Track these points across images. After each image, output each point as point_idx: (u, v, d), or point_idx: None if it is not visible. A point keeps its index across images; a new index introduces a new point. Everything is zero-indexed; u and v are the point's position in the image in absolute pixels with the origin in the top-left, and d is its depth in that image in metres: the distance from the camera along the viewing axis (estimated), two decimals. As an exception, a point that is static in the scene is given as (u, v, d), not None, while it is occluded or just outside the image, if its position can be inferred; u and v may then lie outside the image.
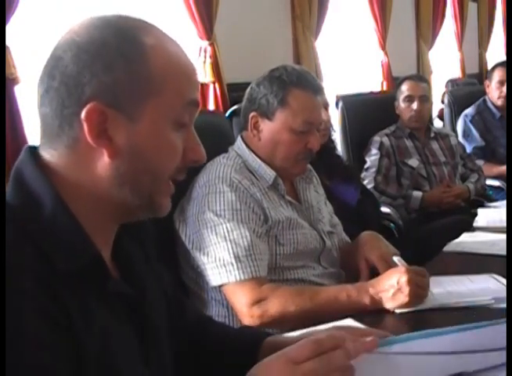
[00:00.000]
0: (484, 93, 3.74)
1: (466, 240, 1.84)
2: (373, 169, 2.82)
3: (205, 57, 2.99)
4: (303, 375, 0.71)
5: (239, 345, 1.00)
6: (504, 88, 3.57)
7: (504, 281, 1.41)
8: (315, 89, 1.56)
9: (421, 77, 3.25)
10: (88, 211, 0.75)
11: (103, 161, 0.74)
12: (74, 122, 0.73)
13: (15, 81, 2.10)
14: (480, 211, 2.20)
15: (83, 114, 0.72)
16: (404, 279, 1.30)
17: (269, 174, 1.56)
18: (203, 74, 2.97)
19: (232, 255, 1.41)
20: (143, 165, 0.76)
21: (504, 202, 2.33)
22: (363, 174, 2.82)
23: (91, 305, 0.71)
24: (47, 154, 0.76)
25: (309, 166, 1.69)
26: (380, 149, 2.86)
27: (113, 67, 0.73)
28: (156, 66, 0.75)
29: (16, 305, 0.62)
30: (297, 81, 1.54)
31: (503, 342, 0.85)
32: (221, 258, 1.42)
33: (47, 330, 0.64)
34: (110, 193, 0.76)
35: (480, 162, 3.35)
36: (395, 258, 1.44)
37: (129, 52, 0.74)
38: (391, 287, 1.31)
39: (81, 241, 0.72)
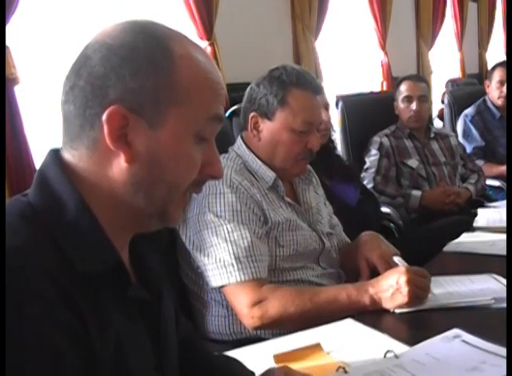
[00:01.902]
0: (484, 93, 3.74)
1: (466, 240, 1.84)
2: (373, 169, 2.82)
3: (205, 57, 2.98)
4: None
5: None
6: (504, 88, 3.58)
7: (504, 281, 1.41)
8: (315, 89, 1.56)
9: (420, 77, 3.25)
10: (107, 215, 0.75)
11: (120, 166, 0.74)
12: (96, 123, 0.73)
13: (15, 81, 2.10)
14: (480, 211, 2.20)
15: (104, 116, 0.71)
16: (403, 279, 1.30)
17: (269, 175, 1.56)
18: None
19: (232, 256, 1.41)
20: (160, 174, 0.75)
21: (504, 202, 2.33)
22: (362, 174, 2.82)
23: (107, 308, 0.71)
24: (68, 155, 0.76)
25: (309, 167, 1.69)
26: (379, 149, 2.86)
27: (140, 73, 0.72)
28: (183, 76, 0.74)
29: (29, 308, 0.62)
30: (296, 81, 1.54)
31: None
32: (221, 259, 1.42)
33: (58, 332, 0.63)
34: (125, 199, 0.75)
35: (480, 162, 3.35)
36: (396, 259, 1.44)
37: (158, 59, 0.73)
38: (390, 287, 1.31)
39: (104, 245, 0.73)
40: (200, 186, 0.82)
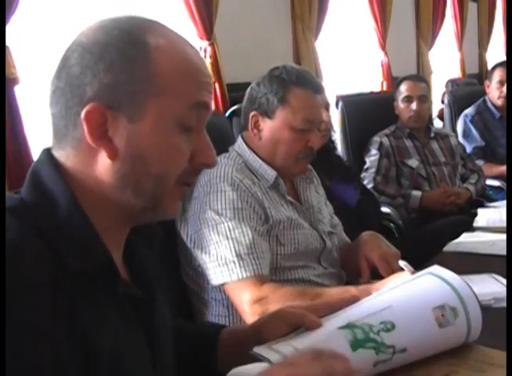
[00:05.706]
0: (484, 93, 3.74)
1: (466, 240, 1.84)
2: (373, 169, 2.82)
3: (205, 57, 2.99)
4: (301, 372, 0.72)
5: (200, 339, 1.01)
6: (504, 88, 3.58)
7: (504, 281, 1.41)
8: (315, 88, 1.57)
9: (420, 77, 3.25)
10: (99, 212, 0.75)
11: (104, 163, 0.74)
12: (77, 122, 0.73)
13: (15, 81, 2.09)
14: (480, 211, 2.19)
15: (82, 114, 0.72)
16: None
17: (270, 174, 1.56)
18: (203, 74, 2.97)
19: (233, 254, 1.41)
20: (145, 167, 0.75)
21: (504, 202, 2.33)
22: (363, 174, 2.82)
23: (101, 306, 0.71)
24: (57, 154, 0.77)
25: (310, 166, 1.69)
26: (379, 149, 2.86)
27: (115, 68, 0.73)
28: (160, 67, 0.74)
29: (26, 305, 0.62)
30: (296, 79, 1.54)
31: None
32: (222, 257, 1.41)
33: (56, 328, 0.64)
34: (114, 195, 0.76)
35: (480, 162, 3.35)
36: (401, 263, 1.43)
37: (132, 53, 0.73)
38: None
39: (93, 242, 0.73)
40: (194, 175, 0.81)
